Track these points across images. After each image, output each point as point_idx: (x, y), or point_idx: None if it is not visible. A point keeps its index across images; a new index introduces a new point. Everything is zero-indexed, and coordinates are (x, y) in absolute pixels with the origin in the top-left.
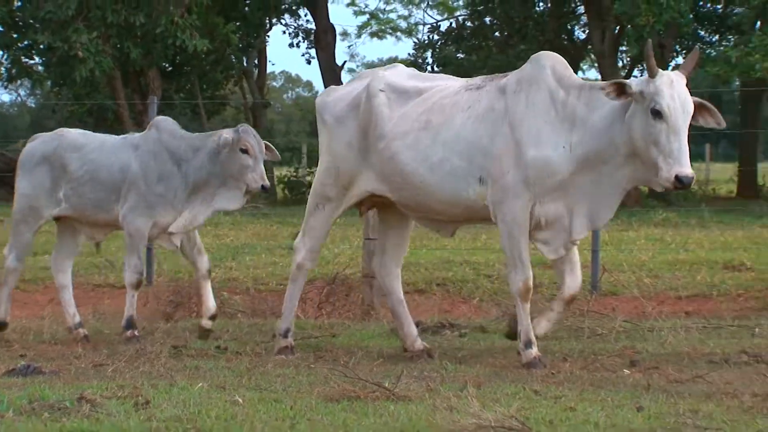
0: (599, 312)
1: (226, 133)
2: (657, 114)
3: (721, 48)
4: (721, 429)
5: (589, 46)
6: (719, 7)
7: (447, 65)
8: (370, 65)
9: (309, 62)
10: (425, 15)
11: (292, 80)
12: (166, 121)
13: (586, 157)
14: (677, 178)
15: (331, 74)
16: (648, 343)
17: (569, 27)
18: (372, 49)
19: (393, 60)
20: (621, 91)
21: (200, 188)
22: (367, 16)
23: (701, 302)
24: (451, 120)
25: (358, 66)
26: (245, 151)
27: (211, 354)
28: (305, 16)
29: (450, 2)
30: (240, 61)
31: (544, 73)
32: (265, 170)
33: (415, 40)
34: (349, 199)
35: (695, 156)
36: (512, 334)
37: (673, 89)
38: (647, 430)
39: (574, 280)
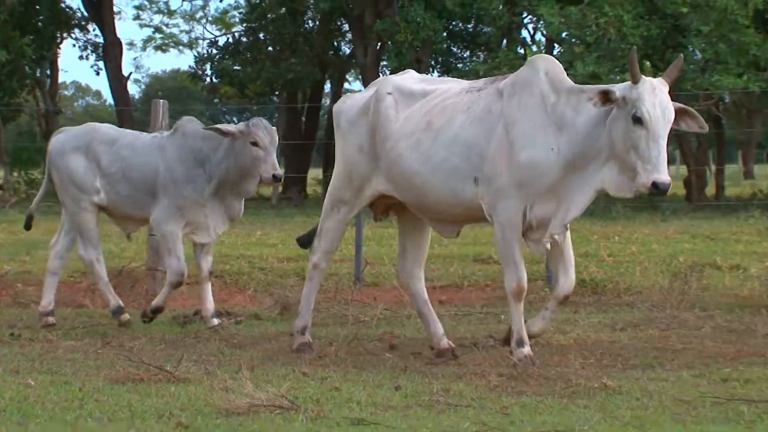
0: (362, 301)
1: (236, 127)
2: (638, 120)
3: (472, 63)
4: (470, 405)
5: (354, 60)
6: (470, 26)
7: (224, 77)
8: (155, 76)
9: (98, 73)
10: (205, 30)
11: (82, 89)
12: (191, 122)
13: (573, 159)
14: (654, 184)
15: (118, 84)
16: (406, 329)
17: (336, 43)
18: (156, 61)
19: (176, 72)
20: (606, 98)
21: (224, 184)
22: (152, 30)
23: (454, 292)
24: (451, 121)
25: (143, 77)
26: (255, 144)
27: (5, 341)
28: (93, 30)
29: (227, 19)
30: (34, 71)
31: (538, 77)
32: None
33: (196, 54)
34: (362, 201)
35: None
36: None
37: (655, 96)
38: (404, 407)
39: (567, 281)
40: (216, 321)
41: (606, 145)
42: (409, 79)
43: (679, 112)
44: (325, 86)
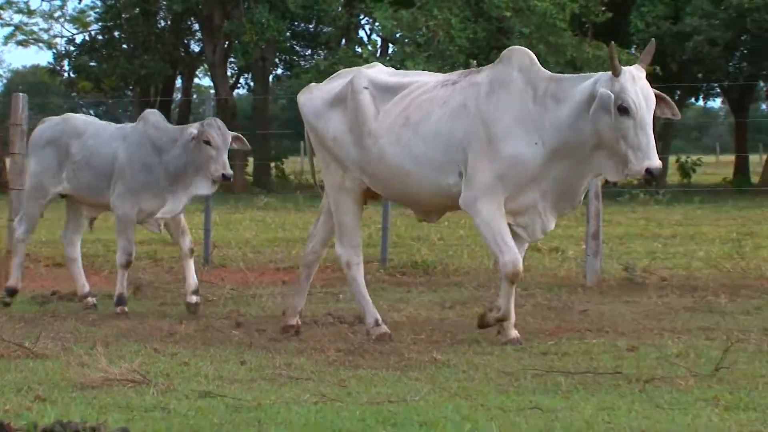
0: (211, 281)
1: (192, 127)
2: (624, 111)
3: (314, 60)
4: (310, 378)
5: (203, 58)
6: (311, 26)
7: (81, 72)
8: (16, 71)
9: None
10: (63, 29)
11: None
12: (153, 114)
13: (559, 149)
14: (648, 170)
15: None
16: (251, 308)
17: (186, 42)
18: (17, 57)
19: (36, 67)
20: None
21: (180, 177)
22: (13, 27)
23: (296, 273)
24: (429, 116)
25: (4, 72)
26: (208, 143)
27: None
28: None
29: (84, 18)
30: None
31: (515, 72)
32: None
33: (55, 51)
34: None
35: (294, 151)
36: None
37: (636, 85)
38: (249, 380)
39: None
40: (194, 298)
41: (591, 135)
42: (382, 72)
43: (656, 98)
44: (176, 82)
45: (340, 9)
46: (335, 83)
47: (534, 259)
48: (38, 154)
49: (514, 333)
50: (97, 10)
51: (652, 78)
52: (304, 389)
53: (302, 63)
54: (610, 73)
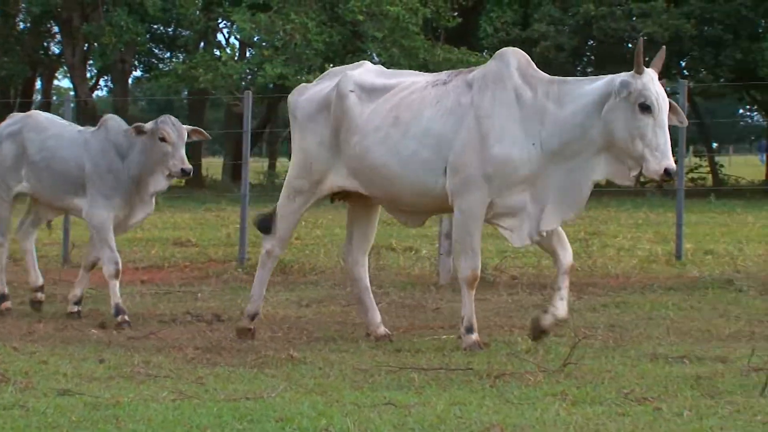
0: (70, 281)
1: (146, 126)
2: (646, 109)
3: (172, 63)
4: (169, 376)
5: (63, 60)
6: (170, 29)
7: None
8: None
9: None
10: None
11: None
12: (114, 119)
13: (559, 151)
14: (666, 171)
15: None
16: (109, 307)
17: (46, 43)
18: None
19: None
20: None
21: (141, 178)
22: None
23: (155, 272)
24: (419, 115)
25: None
26: (163, 140)
27: None
28: None
29: None
30: None
31: (510, 71)
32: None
33: None
34: (320, 192)
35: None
36: (537, 335)
37: (656, 85)
38: (107, 378)
39: (566, 252)
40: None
41: (600, 135)
42: (368, 72)
43: None
44: (36, 83)
45: (198, 13)
46: (323, 84)
47: (389, 258)
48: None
49: (475, 337)
50: None
51: None
52: (162, 387)
53: (161, 66)
54: (627, 73)
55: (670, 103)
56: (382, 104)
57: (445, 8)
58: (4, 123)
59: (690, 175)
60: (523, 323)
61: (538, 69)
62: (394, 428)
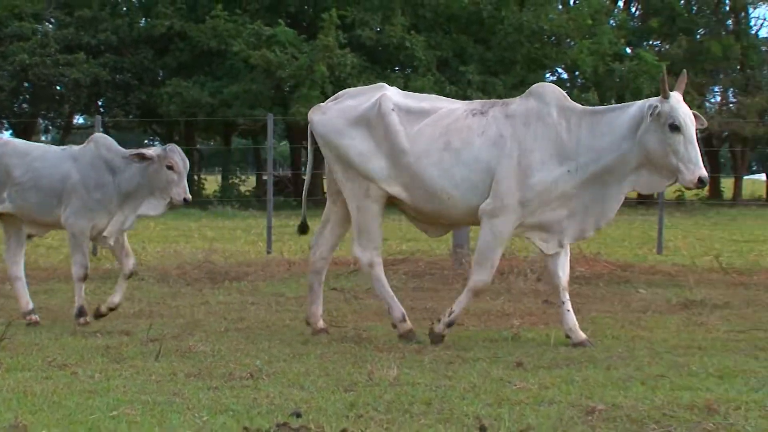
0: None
1: (149, 153)
2: (675, 128)
3: None
4: None
5: None
6: None
7: None
8: None
9: None
10: None
11: None
12: (103, 137)
13: (594, 174)
14: (700, 179)
15: None
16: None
17: None
18: None
19: None
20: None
21: (131, 196)
22: None
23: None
24: (470, 143)
25: None
26: (171, 168)
27: None
28: None
29: None
30: None
31: (549, 107)
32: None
33: None
34: (375, 196)
35: None
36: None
37: (682, 105)
38: None
39: (565, 274)
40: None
41: (637, 155)
42: (398, 94)
43: None
44: None
45: None
46: (352, 102)
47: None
48: None
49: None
50: None
51: None
52: None
53: None
54: (655, 98)
55: (694, 113)
56: (427, 128)
57: None
58: None
59: None
60: None
61: (571, 101)
62: None
